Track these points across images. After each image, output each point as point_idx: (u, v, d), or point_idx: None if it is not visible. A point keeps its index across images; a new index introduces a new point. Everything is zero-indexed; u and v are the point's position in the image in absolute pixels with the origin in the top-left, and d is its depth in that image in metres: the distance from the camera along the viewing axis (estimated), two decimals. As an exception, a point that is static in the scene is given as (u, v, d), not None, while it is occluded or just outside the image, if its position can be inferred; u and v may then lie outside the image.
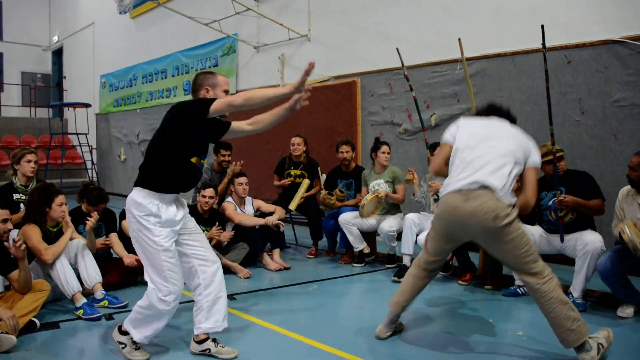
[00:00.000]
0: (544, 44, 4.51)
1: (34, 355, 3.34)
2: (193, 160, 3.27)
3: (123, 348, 3.27)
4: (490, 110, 3.68)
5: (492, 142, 3.32)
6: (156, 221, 3.10)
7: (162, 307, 3.13)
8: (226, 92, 3.36)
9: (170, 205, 3.19)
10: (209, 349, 3.30)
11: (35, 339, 3.59)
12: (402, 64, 5.47)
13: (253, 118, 3.50)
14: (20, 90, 18.44)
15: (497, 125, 3.48)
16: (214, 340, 3.35)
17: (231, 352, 3.31)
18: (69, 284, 4.04)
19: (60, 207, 4.24)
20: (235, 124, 3.48)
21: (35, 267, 4.10)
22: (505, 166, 3.20)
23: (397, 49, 5.47)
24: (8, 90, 18.08)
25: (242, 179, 5.87)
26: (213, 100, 3.09)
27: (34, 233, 4.09)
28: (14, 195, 4.89)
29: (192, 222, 3.40)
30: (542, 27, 4.54)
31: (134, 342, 3.26)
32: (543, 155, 4.64)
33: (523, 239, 3.13)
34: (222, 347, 3.34)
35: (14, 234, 4.56)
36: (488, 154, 3.24)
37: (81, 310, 4.01)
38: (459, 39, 4.86)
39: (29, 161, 4.90)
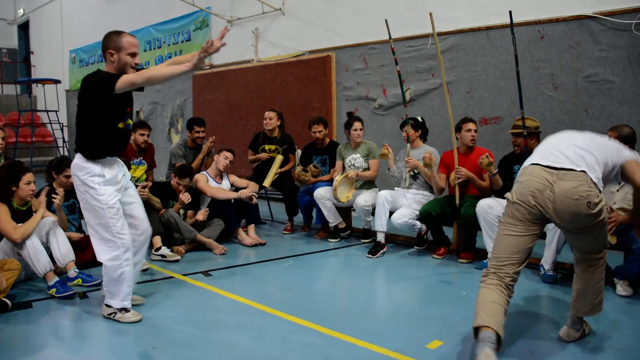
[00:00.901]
0: (512, 28, 4.55)
1: (7, 336, 3.29)
2: (120, 125, 3.46)
3: (115, 316, 3.48)
4: None
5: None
6: (100, 180, 3.37)
7: (117, 263, 3.40)
8: (132, 54, 3.38)
9: (112, 166, 3.46)
10: (115, 313, 3.51)
11: (8, 320, 3.54)
12: (390, 36, 5.43)
13: (173, 59, 3.72)
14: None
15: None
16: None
17: (136, 315, 3.53)
18: (40, 262, 3.94)
19: (29, 186, 4.14)
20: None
21: (4, 245, 4.00)
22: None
23: (385, 20, 5.42)
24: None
25: (229, 154, 5.83)
26: (116, 78, 3.20)
27: (1, 212, 3.99)
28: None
29: (132, 189, 3.65)
30: (510, 13, 4.65)
31: (120, 309, 3.48)
32: (513, 127, 4.76)
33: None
34: (127, 311, 3.55)
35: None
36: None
37: (54, 289, 3.95)
38: (430, 13, 4.85)
39: (-3, 139, 4.78)
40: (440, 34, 6.53)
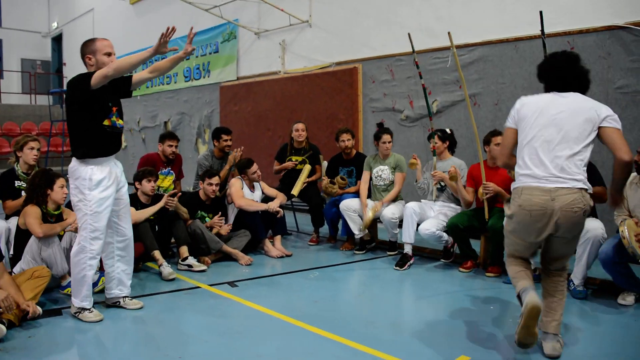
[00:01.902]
0: (542, 30, 4.47)
1: (37, 342, 3.35)
2: (106, 122, 3.63)
3: (79, 314, 3.71)
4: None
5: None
6: (90, 185, 3.56)
7: (81, 265, 3.62)
8: (108, 54, 3.64)
9: (102, 168, 3.62)
10: (119, 302, 3.94)
11: (39, 327, 3.60)
12: (413, 49, 5.42)
13: (152, 66, 3.78)
14: (20, 77, 18.37)
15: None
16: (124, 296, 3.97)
17: (137, 303, 3.94)
18: (58, 264, 4.14)
19: (62, 189, 4.32)
20: (136, 76, 3.87)
21: (31, 246, 4.12)
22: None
23: (408, 34, 5.41)
24: (8, 78, 18.02)
25: (254, 167, 5.89)
26: (91, 75, 3.47)
27: (33, 211, 4.17)
28: (15, 182, 4.88)
29: (125, 196, 3.85)
30: (541, 13, 4.53)
31: (79, 309, 3.71)
32: None
33: None
34: (131, 299, 3.96)
35: (14, 221, 4.59)
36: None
37: (68, 289, 4.09)
38: (449, 33, 4.83)
39: (32, 148, 4.89)
40: (467, 46, 6.51)
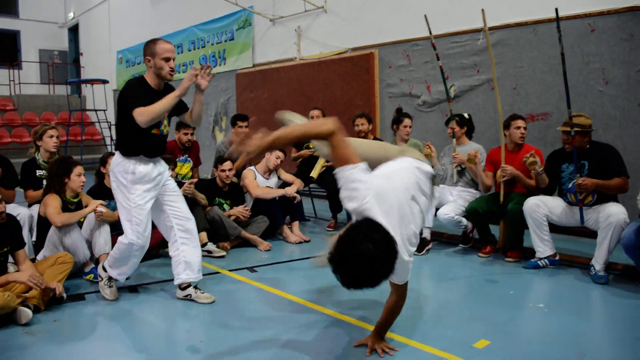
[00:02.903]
0: (557, 16, 4.39)
1: (62, 326, 3.42)
2: (154, 131, 3.66)
3: (99, 281, 3.87)
4: None
5: None
6: (132, 178, 3.61)
7: (127, 252, 3.71)
8: (166, 59, 3.57)
9: (146, 164, 3.66)
10: (190, 294, 3.85)
11: (62, 310, 3.67)
12: (430, 32, 5.34)
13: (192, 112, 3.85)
14: (38, 68, 18.54)
15: None
16: (195, 287, 3.87)
17: (208, 297, 3.81)
18: (80, 251, 4.21)
19: (79, 178, 4.37)
20: (186, 116, 3.88)
21: (52, 236, 4.19)
22: None
23: (424, 16, 5.35)
24: (27, 68, 18.18)
25: (281, 154, 5.93)
26: (135, 107, 3.44)
27: (53, 200, 4.24)
28: (37, 171, 4.94)
29: (172, 184, 3.87)
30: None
31: (109, 279, 3.85)
32: (565, 124, 4.52)
33: None
34: (202, 293, 3.85)
35: (36, 209, 4.66)
36: None
37: (91, 275, 4.21)
38: (482, 10, 4.75)
39: (51, 136, 4.95)
40: (482, 30, 6.41)
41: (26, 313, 3.39)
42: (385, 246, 2.29)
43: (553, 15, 5.57)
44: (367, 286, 2.37)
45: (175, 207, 3.83)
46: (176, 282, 3.84)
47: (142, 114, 3.42)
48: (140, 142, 3.63)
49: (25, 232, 4.49)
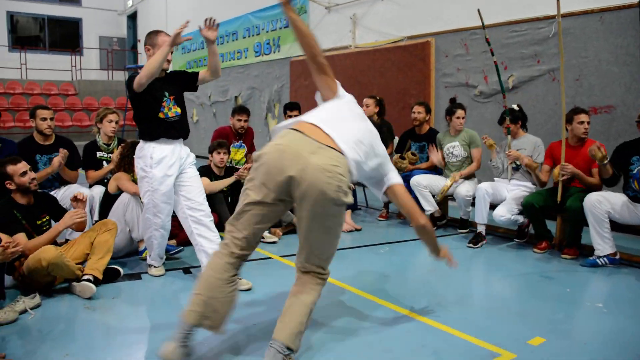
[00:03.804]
0: None
1: (120, 303, 3.54)
2: (160, 115, 3.80)
3: (148, 270, 4.13)
4: None
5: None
6: (150, 162, 3.76)
7: (147, 232, 3.97)
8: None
9: (164, 148, 3.79)
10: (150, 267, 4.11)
11: (120, 288, 3.79)
12: (483, 26, 5.21)
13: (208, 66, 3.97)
14: (98, 54, 19.13)
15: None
16: None
17: (246, 283, 3.81)
18: (137, 226, 4.40)
19: None
20: (200, 74, 4.06)
21: (115, 212, 4.47)
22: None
23: (478, 10, 5.22)
24: (87, 55, 18.79)
25: None
26: (133, 79, 3.63)
27: (124, 175, 4.57)
28: (97, 153, 5.11)
29: (191, 172, 3.95)
30: None
31: (150, 265, 4.14)
32: None
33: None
34: (240, 278, 3.63)
35: (97, 189, 4.84)
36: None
37: (146, 253, 4.31)
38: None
39: (111, 121, 5.09)
40: (547, 18, 6.21)
41: (90, 288, 3.54)
42: None
43: (621, 2, 5.34)
44: None
45: (190, 199, 3.87)
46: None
47: (142, 73, 3.57)
48: (150, 127, 3.80)
49: (87, 210, 4.67)
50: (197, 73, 4.07)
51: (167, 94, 3.86)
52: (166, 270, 4.20)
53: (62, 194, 4.77)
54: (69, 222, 3.68)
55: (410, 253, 4.98)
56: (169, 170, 3.79)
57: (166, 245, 4.20)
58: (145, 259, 4.31)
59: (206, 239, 3.82)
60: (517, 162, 5.15)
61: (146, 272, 4.15)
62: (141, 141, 3.87)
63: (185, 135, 3.98)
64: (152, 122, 3.80)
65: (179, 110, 3.93)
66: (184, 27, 3.52)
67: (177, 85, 3.97)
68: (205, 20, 3.75)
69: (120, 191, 4.56)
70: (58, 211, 3.93)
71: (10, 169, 3.64)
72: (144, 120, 3.83)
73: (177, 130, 3.89)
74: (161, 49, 3.59)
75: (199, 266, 4.30)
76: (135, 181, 4.47)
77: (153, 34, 3.82)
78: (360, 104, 6.45)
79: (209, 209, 3.93)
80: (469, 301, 3.68)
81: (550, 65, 6.26)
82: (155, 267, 4.11)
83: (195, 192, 3.91)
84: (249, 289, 3.80)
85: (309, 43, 2.98)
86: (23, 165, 3.70)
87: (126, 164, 4.63)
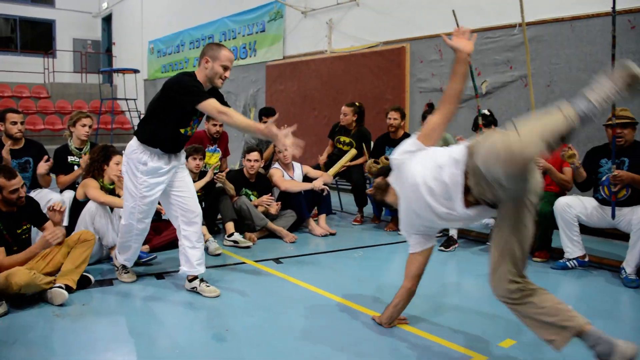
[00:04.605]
0: (614, 7, 4.24)
1: (90, 310, 3.48)
2: (181, 130, 3.59)
3: (116, 271, 4.05)
4: None
5: None
6: (142, 169, 3.56)
7: (128, 237, 3.82)
8: (225, 68, 3.51)
9: (161, 157, 3.61)
10: (196, 287, 3.82)
11: (91, 295, 3.73)
12: (458, 26, 5.25)
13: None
14: (71, 57, 18.85)
15: None
16: (202, 280, 3.84)
17: (214, 291, 3.77)
18: (109, 234, 4.30)
19: (117, 166, 4.43)
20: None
21: (83, 220, 4.30)
22: None
23: (452, 11, 5.27)
24: (60, 57, 18.51)
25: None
26: (205, 98, 3.32)
27: (93, 181, 4.39)
28: (68, 157, 5.03)
29: (183, 173, 3.80)
30: None
31: (122, 267, 4.01)
32: (617, 117, 4.35)
33: None
34: (207, 286, 3.81)
35: (67, 194, 4.77)
36: None
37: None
38: (521, 2, 4.63)
39: (84, 125, 5.03)
40: (521, 25, 6.29)
41: (62, 294, 3.47)
42: None
43: (592, 11, 5.46)
44: None
45: (182, 198, 3.76)
46: (179, 272, 3.89)
47: (223, 112, 3.30)
48: (163, 138, 3.56)
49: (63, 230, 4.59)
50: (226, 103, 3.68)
51: (199, 113, 3.60)
52: (138, 276, 4.14)
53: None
54: (45, 245, 3.60)
55: (384, 258, 5.00)
56: (161, 178, 3.63)
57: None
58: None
59: (190, 242, 3.78)
60: None
61: (117, 279, 4.09)
62: (135, 142, 3.60)
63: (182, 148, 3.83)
64: (166, 134, 3.55)
65: (196, 127, 3.77)
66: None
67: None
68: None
69: (88, 198, 4.37)
70: (39, 218, 3.84)
71: (1, 181, 3.54)
72: (160, 131, 3.54)
73: (182, 145, 3.75)
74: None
75: (172, 272, 4.27)
76: (104, 187, 4.43)
77: (215, 46, 3.55)
78: (336, 109, 6.50)
79: (200, 210, 3.86)
80: (441, 305, 3.71)
81: (523, 72, 6.36)
82: (125, 272, 4.02)
83: (187, 192, 3.78)
84: (217, 296, 3.76)
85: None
86: (17, 182, 3.59)
87: (95, 169, 4.45)
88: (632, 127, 4.32)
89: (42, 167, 4.69)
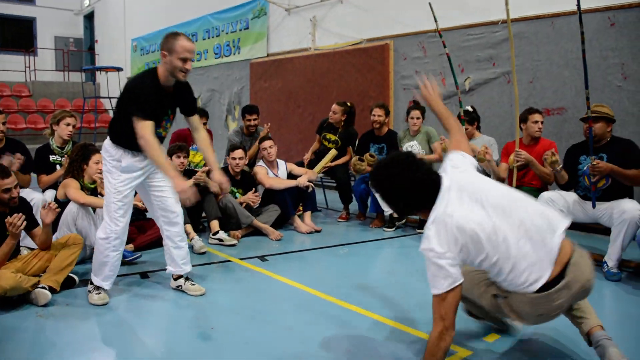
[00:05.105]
0: (578, 4, 4.28)
1: (74, 310, 3.45)
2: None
3: (89, 293, 3.63)
4: None
5: None
6: (118, 165, 3.49)
7: (104, 245, 3.56)
8: (184, 60, 3.31)
9: (135, 155, 3.51)
10: (181, 285, 3.81)
11: (75, 295, 3.70)
12: (435, 19, 5.26)
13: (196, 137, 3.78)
14: (53, 55, 18.64)
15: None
16: (187, 278, 3.85)
17: (199, 289, 3.77)
18: (92, 234, 4.19)
19: (97, 165, 4.37)
20: (192, 120, 3.76)
21: (65, 220, 4.24)
22: None
23: (429, 3, 5.29)
24: (42, 55, 18.28)
25: (266, 143, 5.84)
26: (142, 116, 3.26)
27: (73, 182, 4.31)
28: (50, 156, 4.98)
29: (159, 175, 3.66)
30: None
31: (96, 287, 3.62)
32: (593, 112, 4.39)
33: None
34: (192, 284, 3.81)
35: (49, 194, 4.72)
36: None
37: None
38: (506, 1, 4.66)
39: (68, 124, 4.98)
40: (503, 22, 6.36)
41: (45, 295, 3.45)
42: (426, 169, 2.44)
43: (571, 8, 5.52)
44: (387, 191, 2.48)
45: (162, 199, 3.71)
46: (167, 272, 3.88)
47: (144, 138, 3.24)
48: (133, 139, 3.35)
49: (39, 217, 4.53)
50: (195, 113, 3.76)
51: (169, 112, 3.52)
52: (123, 274, 4.10)
53: None
54: (13, 237, 3.50)
55: (370, 254, 5.02)
56: (135, 173, 3.56)
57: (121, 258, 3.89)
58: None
59: (173, 242, 3.78)
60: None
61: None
62: (109, 141, 3.53)
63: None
64: (135, 136, 3.32)
65: (169, 126, 3.62)
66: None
67: (180, 102, 3.62)
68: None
69: (68, 198, 4.29)
70: (30, 222, 3.73)
71: None
72: (130, 132, 3.32)
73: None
74: (164, 166, 3.31)
75: (157, 271, 4.25)
76: (85, 187, 4.38)
77: (171, 38, 3.33)
78: (320, 107, 6.50)
79: (181, 210, 3.81)
80: (427, 301, 3.72)
81: (505, 68, 6.41)
82: (97, 293, 3.59)
83: (166, 191, 3.71)
84: (203, 294, 3.75)
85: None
86: (10, 182, 3.53)
87: (75, 169, 4.38)
88: (605, 122, 4.33)
89: (15, 164, 4.55)
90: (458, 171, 2.54)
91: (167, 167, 3.34)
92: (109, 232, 3.54)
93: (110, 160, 3.52)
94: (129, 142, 3.44)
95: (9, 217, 3.43)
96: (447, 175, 2.50)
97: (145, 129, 3.25)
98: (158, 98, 3.37)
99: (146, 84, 3.36)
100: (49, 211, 3.63)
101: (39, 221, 3.76)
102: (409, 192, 2.42)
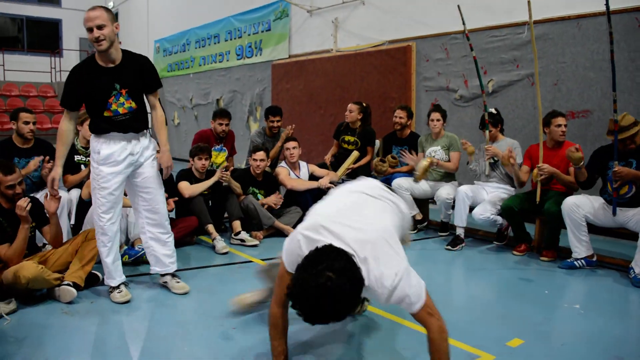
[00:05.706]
0: (607, 4, 4.23)
1: (98, 307, 3.50)
2: (106, 114, 3.47)
3: (110, 294, 3.65)
4: None
5: None
6: (97, 158, 3.49)
7: (99, 247, 3.63)
8: (89, 30, 3.36)
9: (115, 144, 3.50)
10: (167, 282, 3.88)
11: (99, 292, 3.74)
12: (463, 22, 5.26)
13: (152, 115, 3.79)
14: (78, 56, 18.92)
15: None
16: (173, 275, 3.90)
17: (183, 287, 3.82)
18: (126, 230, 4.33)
19: None
20: (151, 99, 3.75)
21: (91, 216, 4.24)
22: None
23: (458, 6, 5.27)
24: (67, 56, 18.58)
25: (290, 144, 5.86)
26: (61, 103, 3.55)
27: None
28: (75, 156, 5.05)
29: (147, 169, 3.65)
30: None
31: (112, 287, 3.66)
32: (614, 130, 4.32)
33: None
34: (178, 282, 3.86)
35: (74, 193, 4.79)
36: None
37: (126, 256, 4.32)
38: (529, 1, 4.63)
39: (91, 125, 5.03)
40: (527, 23, 6.28)
41: (71, 292, 3.49)
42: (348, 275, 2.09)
43: (597, 9, 5.45)
44: (332, 320, 2.12)
45: (147, 200, 3.71)
46: (151, 272, 3.93)
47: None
48: (97, 122, 3.50)
49: (64, 216, 4.61)
50: (157, 88, 3.74)
51: (118, 86, 3.46)
52: (140, 274, 4.13)
53: (40, 197, 4.70)
54: (24, 221, 3.56)
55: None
56: (116, 167, 3.50)
57: (120, 260, 3.85)
58: (125, 261, 4.23)
59: (158, 244, 3.81)
60: (495, 159, 5.22)
61: (128, 275, 4.08)
62: (92, 134, 3.56)
63: (140, 128, 3.60)
64: (98, 120, 3.48)
65: (133, 104, 3.52)
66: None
67: (133, 76, 3.52)
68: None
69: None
70: (42, 218, 3.82)
71: None
72: (91, 116, 3.53)
73: (129, 125, 3.53)
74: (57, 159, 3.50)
75: (181, 270, 4.27)
76: None
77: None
78: (341, 108, 6.49)
79: (166, 211, 3.85)
80: (448, 303, 3.71)
81: (529, 70, 6.34)
82: (119, 292, 3.62)
83: (152, 192, 3.69)
84: (187, 293, 3.80)
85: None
86: (14, 178, 3.60)
87: None
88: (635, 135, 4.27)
89: (45, 168, 4.70)
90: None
91: (57, 158, 3.49)
92: (99, 228, 3.60)
93: (93, 155, 3.54)
94: (99, 128, 3.50)
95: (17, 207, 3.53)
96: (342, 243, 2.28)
97: (62, 117, 3.48)
98: (93, 77, 3.41)
99: (74, 70, 3.49)
100: (51, 200, 3.65)
101: (65, 221, 3.83)
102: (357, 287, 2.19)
